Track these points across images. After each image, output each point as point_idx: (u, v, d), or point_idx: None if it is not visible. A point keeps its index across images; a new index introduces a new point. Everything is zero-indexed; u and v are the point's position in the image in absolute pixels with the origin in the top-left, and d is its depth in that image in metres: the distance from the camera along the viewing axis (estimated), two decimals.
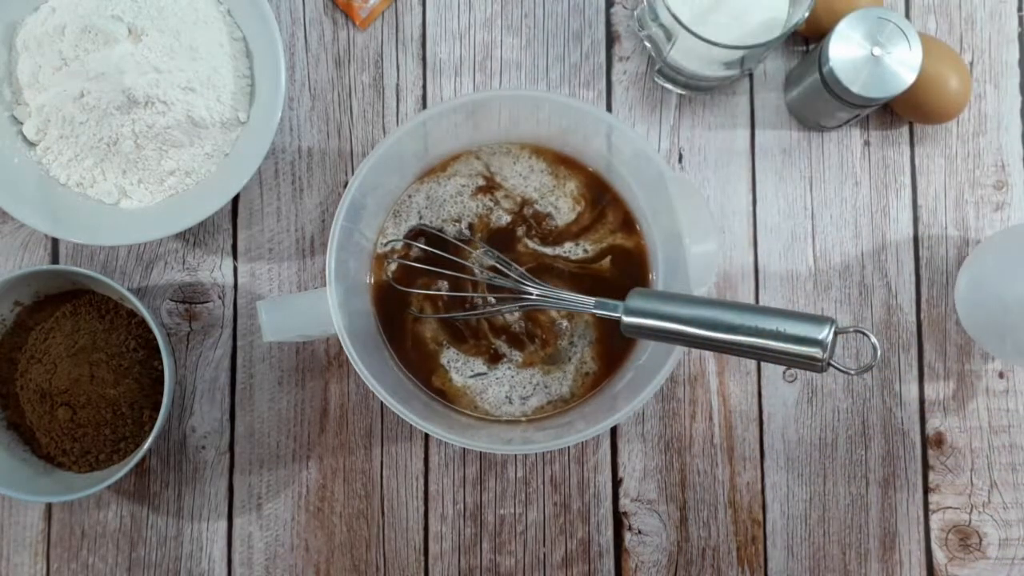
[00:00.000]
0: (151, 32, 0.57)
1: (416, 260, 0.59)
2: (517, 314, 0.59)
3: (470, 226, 0.60)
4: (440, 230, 0.59)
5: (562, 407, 0.59)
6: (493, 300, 0.58)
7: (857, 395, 0.63)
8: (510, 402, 0.59)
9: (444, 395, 0.59)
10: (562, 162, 0.60)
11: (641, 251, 0.60)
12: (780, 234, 0.64)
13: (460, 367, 0.59)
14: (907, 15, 0.65)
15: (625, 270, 0.60)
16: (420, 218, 0.60)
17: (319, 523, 0.61)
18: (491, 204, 0.60)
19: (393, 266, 0.59)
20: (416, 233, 0.60)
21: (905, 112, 0.63)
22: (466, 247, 0.59)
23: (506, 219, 0.60)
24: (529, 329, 0.59)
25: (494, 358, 0.59)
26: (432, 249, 0.59)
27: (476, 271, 0.58)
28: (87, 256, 0.63)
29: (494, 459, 0.62)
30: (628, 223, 0.60)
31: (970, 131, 0.65)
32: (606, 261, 0.60)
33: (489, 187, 0.60)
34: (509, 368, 0.59)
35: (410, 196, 0.60)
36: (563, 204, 0.60)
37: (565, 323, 0.60)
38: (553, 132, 0.59)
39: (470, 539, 0.62)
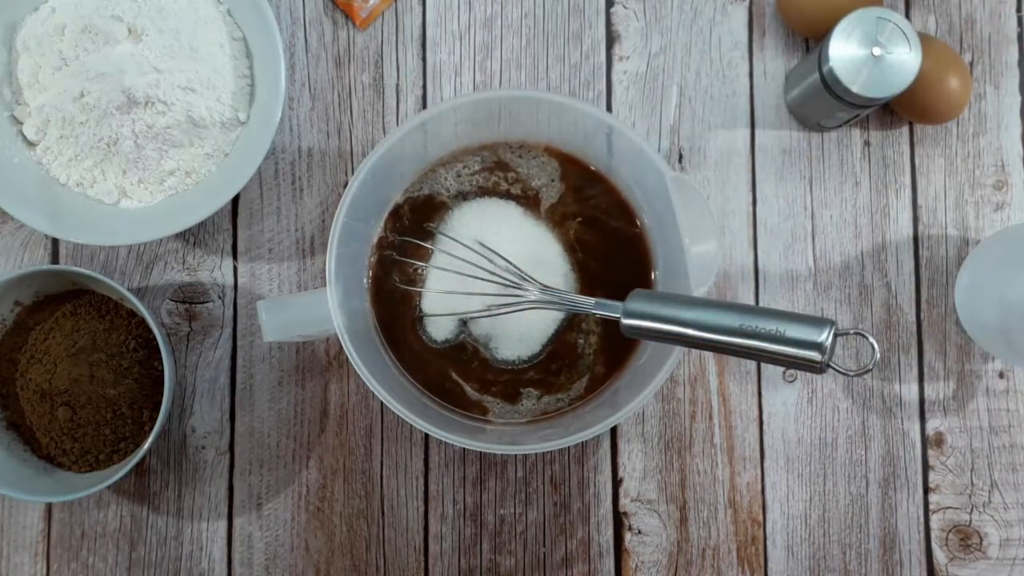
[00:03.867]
0: (151, 32, 0.57)
1: (414, 260, 0.59)
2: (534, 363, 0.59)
3: (463, 195, 0.60)
4: (441, 230, 0.59)
5: (563, 407, 0.59)
6: (493, 302, 0.58)
7: (857, 395, 0.63)
8: (518, 412, 0.59)
9: (455, 395, 0.59)
10: (567, 160, 0.60)
11: (642, 251, 0.60)
12: (780, 234, 0.64)
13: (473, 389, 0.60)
14: (907, 15, 0.65)
15: (625, 270, 0.60)
16: (421, 190, 0.60)
17: (319, 523, 0.61)
18: (497, 179, 0.60)
19: (392, 265, 0.59)
20: (415, 232, 0.60)
21: (905, 112, 0.63)
22: (467, 246, 0.59)
23: (504, 187, 0.60)
24: (554, 367, 0.60)
25: (511, 397, 0.59)
26: (431, 246, 0.59)
27: (475, 271, 0.58)
28: (87, 256, 0.63)
29: (494, 459, 0.62)
30: (629, 223, 0.60)
31: (970, 131, 0.65)
32: (576, 222, 0.60)
33: (499, 167, 0.60)
34: (531, 400, 0.60)
35: (411, 194, 0.60)
36: (561, 194, 0.60)
37: (582, 340, 0.60)
38: (553, 132, 0.59)
39: (470, 539, 0.62)
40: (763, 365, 0.63)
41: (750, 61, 0.65)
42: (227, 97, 0.59)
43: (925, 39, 0.62)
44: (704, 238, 0.53)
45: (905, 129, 0.65)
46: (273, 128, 0.58)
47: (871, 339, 0.47)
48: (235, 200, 0.63)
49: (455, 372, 0.59)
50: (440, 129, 0.58)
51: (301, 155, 0.63)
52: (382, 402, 0.54)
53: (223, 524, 0.61)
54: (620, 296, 0.52)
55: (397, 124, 0.64)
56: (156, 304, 0.62)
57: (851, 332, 0.47)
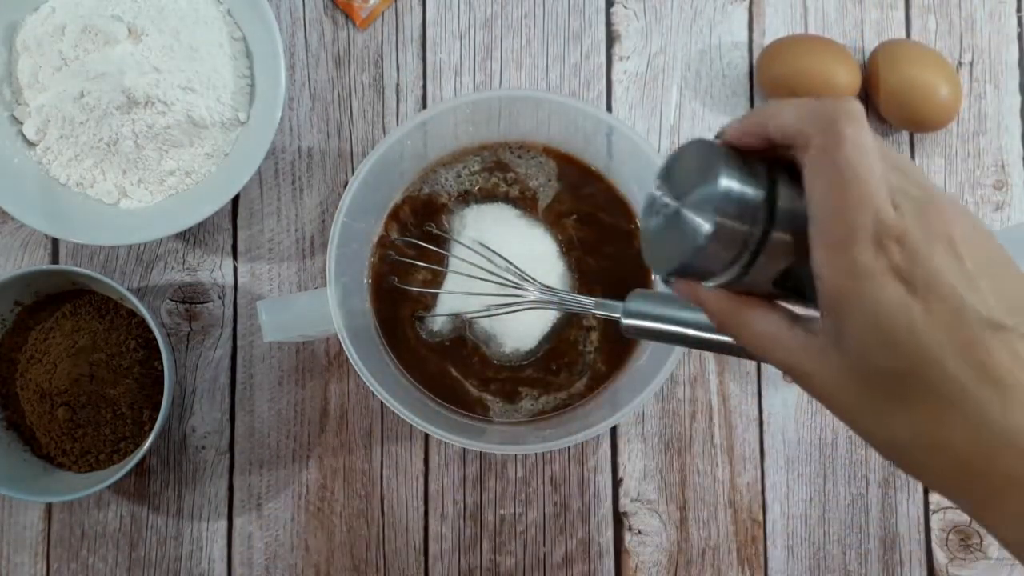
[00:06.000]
0: (151, 32, 0.57)
1: (414, 260, 0.59)
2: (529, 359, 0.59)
3: (466, 192, 0.60)
4: (440, 231, 0.59)
5: (562, 407, 0.59)
6: (492, 303, 0.58)
7: None
8: (518, 411, 0.59)
9: (455, 392, 0.59)
10: (566, 160, 0.61)
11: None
12: None
13: (475, 385, 0.60)
14: (907, 15, 0.65)
15: (625, 269, 0.60)
16: (422, 190, 0.60)
17: (319, 523, 0.61)
18: (497, 180, 0.60)
19: (392, 265, 0.59)
20: (415, 232, 0.60)
21: (897, 122, 0.63)
22: (467, 246, 0.59)
23: (503, 188, 0.60)
24: (554, 367, 0.60)
25: (510, 396, 0.59)
26: (432, 247, 0.59)
27: (475, 271, 0.58)
28: (87, 256, 0.63)
29: (494, 459, 0.62)
30: (627, 220, 0.60)
31: (970, 131, 0.65)
32: (572, 220, 0.60)
33: (499, 167, 0.60)
34: (530, 400, 0.60)
35: (411, 194, 0.60)
36: (557, 193, 0.60)
37: (583, 342, 0.60)
38: (553, 132, 0.59)
39: (470, 539, 0.62)
40: (763, 365, 0.63)
41: (750, 61, 0.65)
42: (227, 97, 0.59)
43: (914, 46, 0.62)
44: None
45: (905, 130, 0.65)
46: (273, 128, 0.58)
47: None
48: (235, 200, 0.63)
49: (454, 369, 0.59)
50: (440, 129, 0.58)
51: (301, 155, 0.63)
52: (382, 402, 0.54)
53: (223, 524, 0.61)
54: (620, 295, 0.52)
55: (397, 124, 0.64)
56: (156, 304, 0.62)
57: None
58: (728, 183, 0.30)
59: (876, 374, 0.29)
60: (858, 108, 0.29)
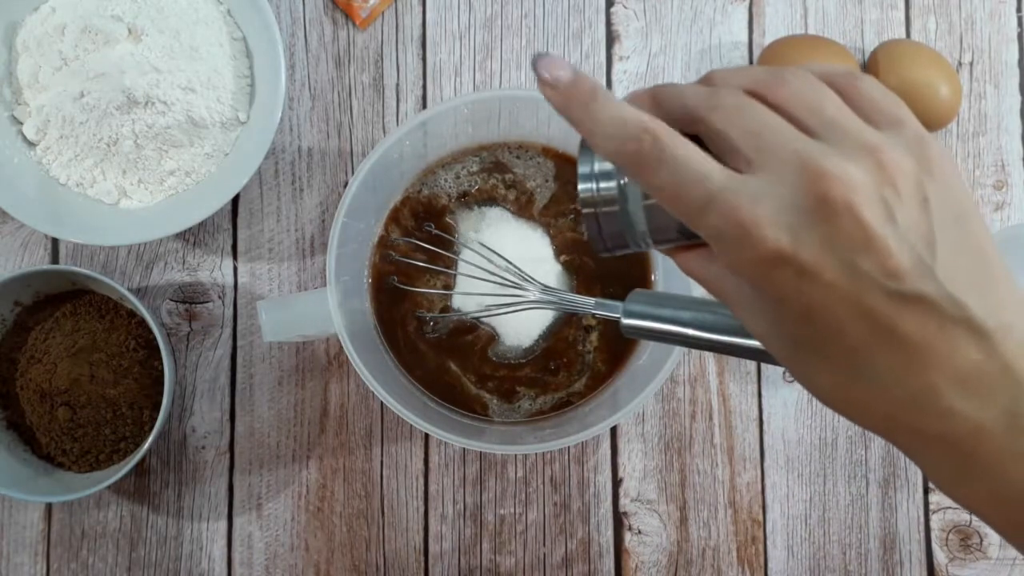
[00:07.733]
0: (151, 32, 0.57)
1: (414, 260, 0.59)
2: (531, 356, 0.59)
3: (465, 193, 0.60)
4: (440, 231, 0.59)
5: (562, 407, 0.59)
6: (491, 303, 0.58)
7: None
8: (516, 411, 0.59)
9: (454, 391, 0.59)
10: (565, 161, 0.61)
11: (642, 251, 0.60)
12: None
13: (473, 382, 0.60)
14: (907, 15, 0.65)
15: (624, 269, 0.60)
16: (421, 191, 0.60)
17: (319, 523, 0.61)
18: (496, 181, 0.60)
19: (392, 265, 0.59)
20: (415, 232, 0.60)
21: None
22: (467, 246, 0.59)
23: (502, 189, 0.60)
24: (552, 366, 0.60)
25: (508, 395, 0.59)
26: (432, 247, 0.59)
27: (475, 271, 0.58)
28: (87, 256, 0.63)
29: (494, 459, 0.62)
30: None
31: (970, 131, 0.65)
32: (570, 219, 0.60)
33: (498, 168, 0.60)
34: (527, 400, 0.60)
35: (411, 195, 0.60)
36: (554, 193, 0.60)
37: (582, 342, 0.60)
38: (553, 132, 0.59)
39: (470, 539, 0.62)
40: (763, 365, 0.63)
41: (750, 61, 0.65)
42: (227, 97, 0.59)
43: (916, 46, 0.62)
44: None
45: None
46: (273, 128, 0.58)
47: None
48: (235, 200, 0.63)
49: (453, 364, 0.59)
50: (440, 129, 0.58)
51: (301, 155, 0.63)
52: (382, 402, 0.54)
53: (223, 524, 0.61)
54: (620, 295, 0.52)
55: (397, 124, 0.64)
56: (156, 304, 0.62)
57: None
58: (581, 163, 0.34)
59: (794, 337, 0.30)
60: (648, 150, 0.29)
